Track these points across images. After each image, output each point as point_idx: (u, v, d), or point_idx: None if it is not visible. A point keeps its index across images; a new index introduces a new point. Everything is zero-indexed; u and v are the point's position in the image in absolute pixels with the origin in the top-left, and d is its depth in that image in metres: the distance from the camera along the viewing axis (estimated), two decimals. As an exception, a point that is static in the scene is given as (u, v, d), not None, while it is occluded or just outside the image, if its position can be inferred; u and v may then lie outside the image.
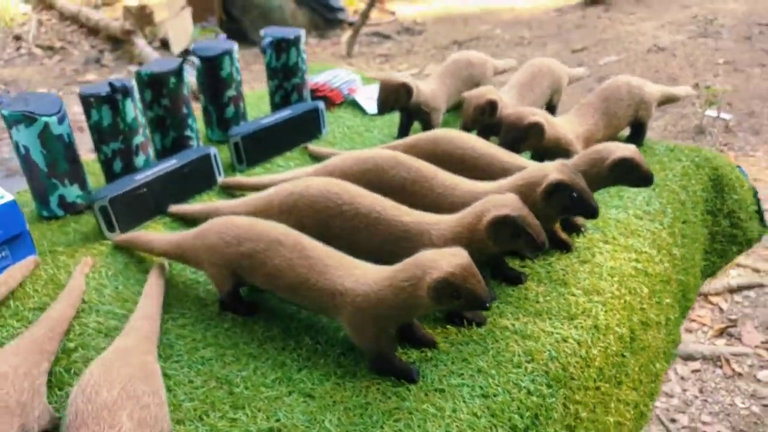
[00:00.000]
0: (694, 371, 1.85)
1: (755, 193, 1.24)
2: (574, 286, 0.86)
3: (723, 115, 3.06)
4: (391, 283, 0.67)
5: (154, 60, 1.12)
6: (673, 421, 1.71)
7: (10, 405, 0.56)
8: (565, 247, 0.92)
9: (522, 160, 0.95)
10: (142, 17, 4.54)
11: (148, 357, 0.66)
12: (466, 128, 1.08)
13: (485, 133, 1.15)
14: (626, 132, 1.22)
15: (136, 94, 1.07)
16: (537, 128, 1.00)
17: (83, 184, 1.06)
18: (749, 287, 2.16)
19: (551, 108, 1.31)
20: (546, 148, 1.05)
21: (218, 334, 0.81)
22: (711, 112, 3.07)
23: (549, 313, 0.81)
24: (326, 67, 1.62)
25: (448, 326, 0.80)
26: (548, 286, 0.86)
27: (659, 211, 1.03)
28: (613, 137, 1.16)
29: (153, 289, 0.84)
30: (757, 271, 2.21)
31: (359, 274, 0.71)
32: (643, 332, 0.89)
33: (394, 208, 0.81)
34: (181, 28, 4.51)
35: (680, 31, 4.22)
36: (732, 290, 2.13)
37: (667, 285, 0.97)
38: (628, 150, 0.86)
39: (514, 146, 1.01)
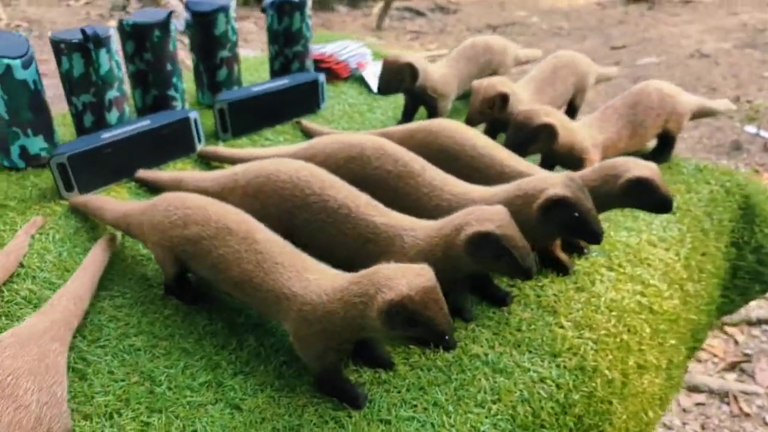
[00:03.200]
0: (698, 404, 1.73)
1: (789, 229, 1.11)
2: (565, 316, 0.75)
3: (763, 133, 2.87)
4: (342, 297, 0.57)
5: (143, 10, 1.02)
6: (668, 456, 1.60)
7: None
8: (561, 270, 0.81)
9: (526, 165, 0.84)
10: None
11: (54, 345, 0.57)
12: (472, 121, 0.97)
13: (494, 129, 1.04)
14: (653, 144, 1.09)
15: (115, 45, 0.98)
16: (548, 131, 0.88)
17: (49, 136, 0.98)
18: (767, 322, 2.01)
19: (572, 109, 1.19)
20: (557, 155, 0.93)
21: (155, 321, 0.72)
22: (750, 129, 2.88)
23: (530, 346, 0.71)
24: (336, 37, 1.50)
25: (412, 346, 0.70)
26: (535, 312, 0.75)
27: (677, 239, 0.91)
28: (637, 149, 1.03)
29: (91, 263, 0.75)
30: (780, 305, 2.07)
31: (311, 280, 0.61)
32: (638, 377, 0.78)
33: (368, 205, 0.71)
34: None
35: (726, 39, 3.98)
36: (751, 323, 1.99)
37: (674, 324, 0.85)
38: (647, 169, 0.74)
39: (520, 148, 0.90)
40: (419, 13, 4.36)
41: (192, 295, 0.75)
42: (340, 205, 0.71)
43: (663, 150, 1.08)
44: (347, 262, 0.71)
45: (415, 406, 0.63)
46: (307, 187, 0.73)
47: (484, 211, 0.63)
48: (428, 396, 0.64)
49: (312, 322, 0.59)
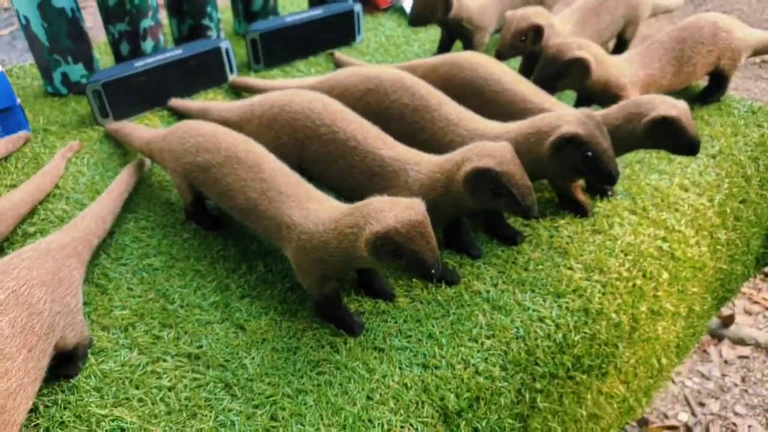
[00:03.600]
0: (741, 357, 1.68)
1: None
2: (575, 258, 0.73)
3: None
4: (335, 227, 0.58)
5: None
6: (702, 404, 1.57)
7: None
8: (579, 211, 0.79)
9: (552, 101, 0.81)
10: None
11: (70, 260, 0.61)
12: (501, 55, 0.93)
13: (530, 64, 0.99)
14: (704, 82, 1.02)
15: (149, -28, 0.99)
16: (580, 65, 0.84)
17: (89, 63, 1.02)
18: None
19: (623, 42, 1.11)
20: (592, 91, 0.89)
21: (174, 243, 0.76)
22: None
23: (533, 285, 0.70)
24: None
25: (414, 279, 0.71)
26: (545, 253, 0.74)
27: (713, 184, 0.86)
28: (684, 86, 0.97)
29: (117, 186, 0.79)
30: None
31: (312, 209, 0.63)
32: (651, 322, 0.76)
33: (377, 139, 0.71)
34: None
35: None
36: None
37: (698, 272, 0.82)
38: (674, 108, 0.69)
39: (550, 83, 0.86)
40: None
41: (209, 220, 0.78)
42: (349, 137, 0.71)
43: (714, 89, 1.00)
44: (356, 194, 0.72)
45: (410, 336, 0.64)
46: (318, 118, 0.73)
47: (486, 147, 0.62)
48: (423, 328, 0.65)
49: (309, 251, 0.61)
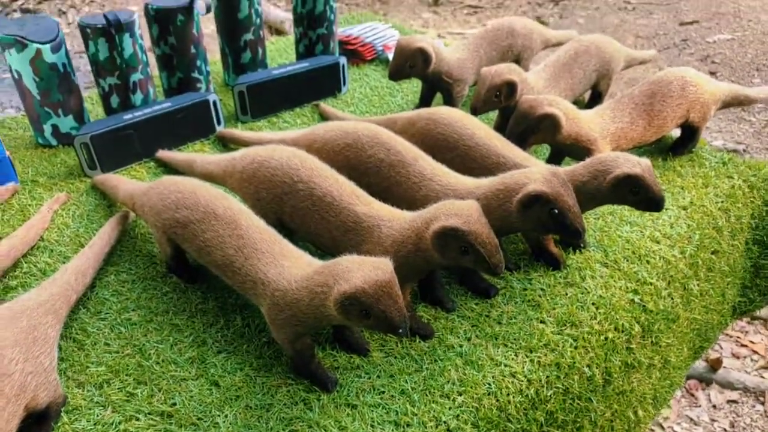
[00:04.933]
0: (730, 402, 1.67)
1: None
2: (547, 312, 0.75)
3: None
4: (307, 285, 0.60)
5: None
6: (692, 451, 1.56)
7: None
8: (552, 263, 0.80)
9: (524, 156, 0.83)
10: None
11: (47, 318, 0.63)
12: (476, 110, 0.96)
13: (505, 118, 1.02)
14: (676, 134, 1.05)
15: (138, 29, 1.03)
16: (551, 121, 0.87)
17: (79, 116, 1.05)
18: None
19: (597, 95, 1.15)
20: (563, 146, 0.92)
21: (153, 297, 0.77)
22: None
23: (506, 339, 0.71)
24: (366, 18, 1.50)
25: (390, 334, 0.72)
26: (518, 306, 0.75)
27: (684, 236, 0.88)
28: (654, 140, 0.99)
29: (100, 240, 0.81)
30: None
31: (286, 267, 0.64)
32: (624, 375, 0.77)
33: (352, 195, 0.73)
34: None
35: (816, 14, 3.67)
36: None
37: (671, 323, 0.83)
38: (638, 165, 0.72)
39: (522, 138, 0.89)
40: (477, -14, 4.25)
41: (189, 274, 0.79)
42: (325, 193, 0.73)
43: (685, 141, 1.03)
44: (332, 248, 0.73)
45: (383, 392, 0.65)
46: (295, 174, 0.75)
47: (454, 205, 0.64)
48: (396, 384, 0.66)
49: (282, 307, 0.62)
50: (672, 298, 0.83)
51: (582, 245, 0.84)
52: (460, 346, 0.70)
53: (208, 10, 1.09)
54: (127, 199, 0.83)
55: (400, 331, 0.56)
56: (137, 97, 1.06)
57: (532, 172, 0.70)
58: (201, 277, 0.80)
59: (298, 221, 0.76)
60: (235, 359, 0.69)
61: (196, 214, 0.70)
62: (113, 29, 0.97)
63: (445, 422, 0.62)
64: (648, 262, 0.83)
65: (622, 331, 0.76)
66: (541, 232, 0.73)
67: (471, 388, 0.65)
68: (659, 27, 3.61)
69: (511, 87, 0.94)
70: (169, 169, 1.01)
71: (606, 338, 0.74)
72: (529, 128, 0.87)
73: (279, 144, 0.88)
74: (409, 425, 0.62)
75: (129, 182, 0.87)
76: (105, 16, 0.96)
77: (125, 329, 0.73)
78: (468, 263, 0.64)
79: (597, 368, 0.73)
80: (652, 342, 0.80)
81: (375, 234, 0.70)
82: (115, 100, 1.05)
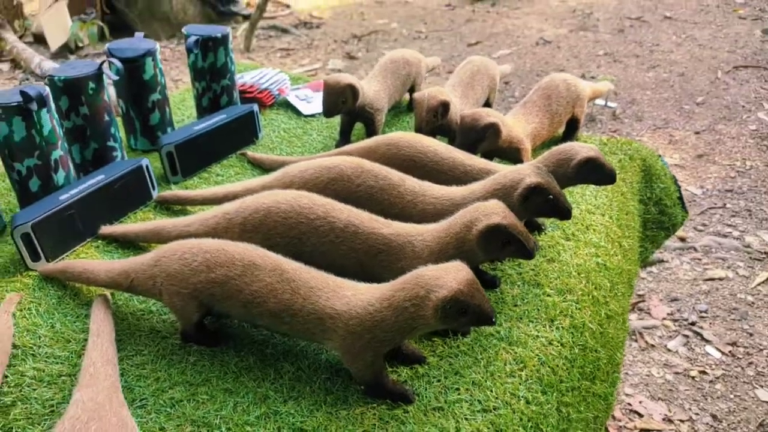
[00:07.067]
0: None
1: (675, 180, 1.33)
2: (547, 286, 0.86)
3: (610, 104, 3.28)
4: (390, 304, 0.63)
5: (66, 63, 0.99)
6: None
7: None
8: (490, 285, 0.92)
9: (480, 161, 0.94)
10: (9, 10, 4.10)
11: (123, 410, 0.57)
12: (420, 130, 1.05)
13: (434, 135, 1.13)
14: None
15: (52, 103, 0.94)
16: (494, 129, 1.00)
17: (-8, 208, 0.92)
18: (652, 263, 2.33)
19: (488, 105, 1.32)
20: (500, 149, 1.05)
21: (185, 370, 0.73)
22: (600, 101, 3.27)
23: (529, 316, 0.81)
24: (251, 67, 1.52)
25: (434, 339, 0.77)
26: (522, 287, 0.86)
27: (607, 204, 1.07)
28: (552, 135, 1.18)
29: (101, 325, 0.74)
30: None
31: (350, 296, 0.66)
32: (609, 325, 0.92)
33: (371, 220, 0.77)
34: (57, 21, 4.11)
35: (562, 25, 4.47)
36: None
37: (620, 276, 1.00)
38: (591, 150, 0.87)
39: (471, 148, 1.00)
40: (284, 30, 4.39)
41: (212, 337, 0.76)
42: (346, 224, 0.76)
43: (571, 132, 1.24)
44: (357, 275, 0.77)
45: (458, 389, 0.70)
46: (311, 213, 0.77)
47: (486, 207, 0.72)
48: (465, 378, 0.72)
49: (361, 334, 0.65)
50: (617, 256, 1.00)
51: (543, 227, 0.97)
52: (498, 332, 0.78)
53: (118, 74, 1.03)
54: (119, 277, 0.77)
55: (493, 320, 0.62)
56: (59, 176, 0.97)
57: (523, 168, 0.81)
58: (223, 339, 0.77)
59: (320, 257, 0.77)
60: (306, 402, 0.69)
61: (235, 270, 0.69)
62: (34, 104, 0.88)
63: (522, 396, 0.70)
64: (594, 229, 0.99)
65: (600, 288, 0.91)
66: (539, 216, 0.84)
67: (528, 362, 0.74)
68: (452, 49, 4.09)
69: (445, 106, 1.05)
70: (121, 244, 0.93)
71: (592, 296, 0.88)
72: (477, 137, 0.99)
73: (245, 194, 0.89)
74: (496, 408, 0.68)
75: (107, 263, 0.81)
76: (23, 93, 0.87)
77: (172, 409, 0.68)
78: (509, 253, 0.72)
79: (595, 323, 0.86)
80: (615, 294, 0.96)
81: (408, 250, 0.75)
82: (35, 183, 0.95)
